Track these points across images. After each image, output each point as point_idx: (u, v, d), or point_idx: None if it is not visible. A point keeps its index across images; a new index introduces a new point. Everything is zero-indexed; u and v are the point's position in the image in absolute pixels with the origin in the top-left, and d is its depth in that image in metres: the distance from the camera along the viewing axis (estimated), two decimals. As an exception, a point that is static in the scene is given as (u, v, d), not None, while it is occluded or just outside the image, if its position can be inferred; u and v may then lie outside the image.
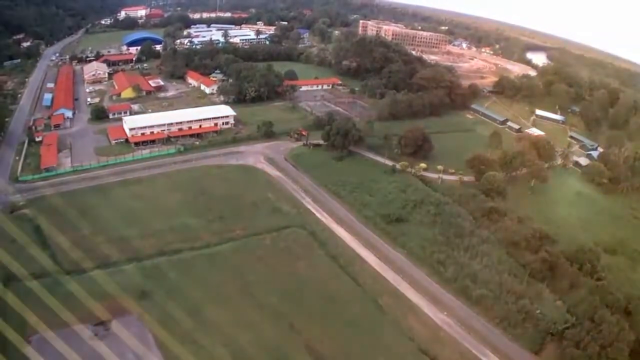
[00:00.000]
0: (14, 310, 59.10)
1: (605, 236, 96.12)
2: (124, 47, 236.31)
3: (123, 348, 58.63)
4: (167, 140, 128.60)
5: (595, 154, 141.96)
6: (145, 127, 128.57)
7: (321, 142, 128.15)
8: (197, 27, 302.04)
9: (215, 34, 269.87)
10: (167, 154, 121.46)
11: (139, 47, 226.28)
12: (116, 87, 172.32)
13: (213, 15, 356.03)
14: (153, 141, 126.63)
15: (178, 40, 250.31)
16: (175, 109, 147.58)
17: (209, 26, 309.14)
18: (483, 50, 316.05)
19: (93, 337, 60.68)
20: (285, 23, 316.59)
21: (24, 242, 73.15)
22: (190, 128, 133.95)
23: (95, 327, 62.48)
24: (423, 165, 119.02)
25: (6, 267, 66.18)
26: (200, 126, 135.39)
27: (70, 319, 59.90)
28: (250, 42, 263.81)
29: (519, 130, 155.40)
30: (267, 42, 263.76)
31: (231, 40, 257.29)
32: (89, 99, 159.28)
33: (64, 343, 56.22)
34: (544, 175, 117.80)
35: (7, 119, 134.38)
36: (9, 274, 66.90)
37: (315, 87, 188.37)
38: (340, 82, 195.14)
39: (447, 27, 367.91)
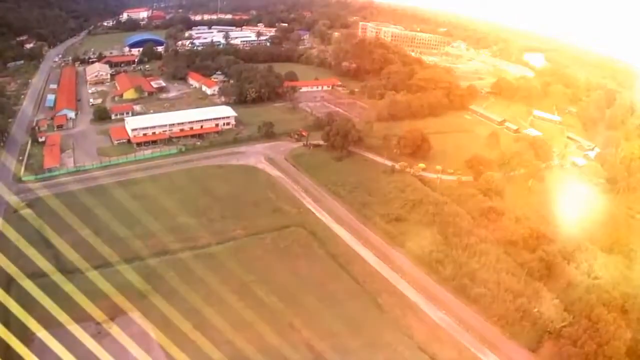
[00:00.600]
0: (15, 311, 59.77)
1: (602, 235, 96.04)
2: (126, 49, 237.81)
3: (123, 348, 59.08)
4: (169, 140, 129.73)
5: (592, 154, 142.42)
6: (147, 128, 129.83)
7: (321, 142, 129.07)
8: (199, 29, 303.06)
9: (216, 36, 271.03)
10: (169, 154, 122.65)
11: (141, 49, 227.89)
12: (118, 88, 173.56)
13: (214, 17, 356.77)
14: (155, 142, 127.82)
15: (179, 42, 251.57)
16: (177, 110, 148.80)
17: (210, 28, 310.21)
18: (481, 51, 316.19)
19: (93, 337, 60.89)
20: (286, 25, 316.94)
21: (25, 242, 73.94)
22: (191, 129, 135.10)
23: (96, 327, 62.98)
24: (422, 165, 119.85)
25: (8, 267, 66.82)
26: (201, 127, 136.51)
27: (71, 319, 60.58)
28: (251, 44, 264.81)
29: (517, 131, 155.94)
30: (268, 44, 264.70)
31: (232, 41, 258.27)
32: (91, 100, 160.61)
33: (64, 343, 56.60)
34: (542, 175, 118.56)
35: (10, 120, 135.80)
36: (10, 274, 67.31)
37: (315, 88, 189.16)
38: (340, 83, 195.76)
39: (446, 29, 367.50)
